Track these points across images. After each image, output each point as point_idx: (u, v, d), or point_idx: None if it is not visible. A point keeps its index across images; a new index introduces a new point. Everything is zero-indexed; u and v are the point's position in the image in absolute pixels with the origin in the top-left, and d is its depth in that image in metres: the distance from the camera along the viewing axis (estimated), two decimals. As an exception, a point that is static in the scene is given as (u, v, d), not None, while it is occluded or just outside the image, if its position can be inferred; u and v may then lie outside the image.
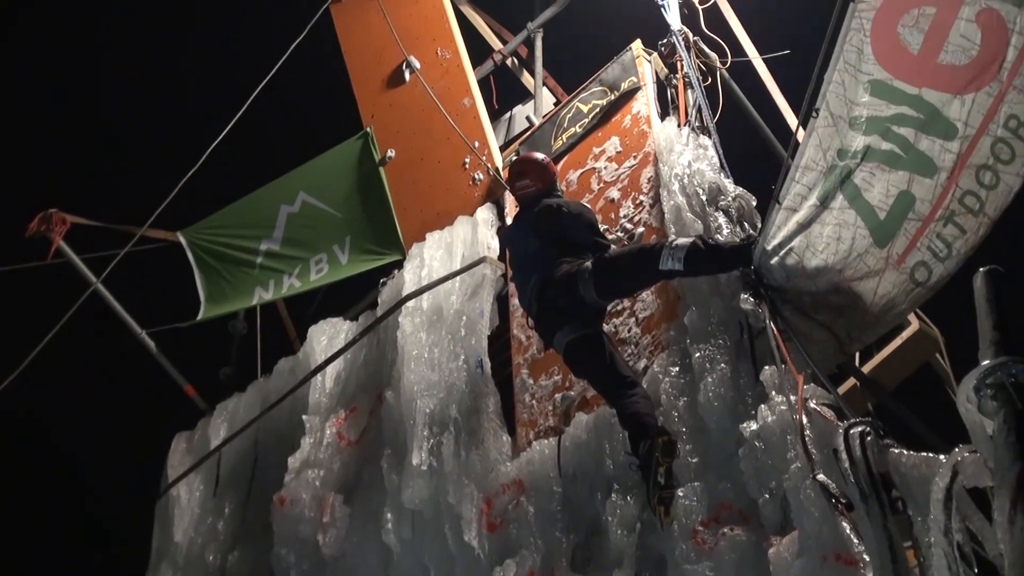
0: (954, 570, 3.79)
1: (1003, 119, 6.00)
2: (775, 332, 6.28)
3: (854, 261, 6.44)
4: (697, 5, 9.27)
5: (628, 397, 6.82)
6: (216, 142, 10.20)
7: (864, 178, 6.35)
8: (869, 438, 4.93)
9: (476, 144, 9.66)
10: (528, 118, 10.46)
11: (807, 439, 5.60)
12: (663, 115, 8.56)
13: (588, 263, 7.12)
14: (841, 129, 6.34)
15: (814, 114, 6.35)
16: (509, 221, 8.58)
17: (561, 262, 7.19)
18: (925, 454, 4.56)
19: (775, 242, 6.57)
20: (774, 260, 6.57)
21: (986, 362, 3.31)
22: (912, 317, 8.74)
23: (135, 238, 10.45)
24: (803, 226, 6.51)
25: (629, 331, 7.56)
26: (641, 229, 7.90)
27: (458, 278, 8.62)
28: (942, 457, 4.14)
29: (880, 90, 6.24)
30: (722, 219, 7.24)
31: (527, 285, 7.32)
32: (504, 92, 11.31)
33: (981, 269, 3.51)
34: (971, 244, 6.17)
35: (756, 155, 9.61)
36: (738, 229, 7.20)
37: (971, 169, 6.10)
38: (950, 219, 6.17)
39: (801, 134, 6.62)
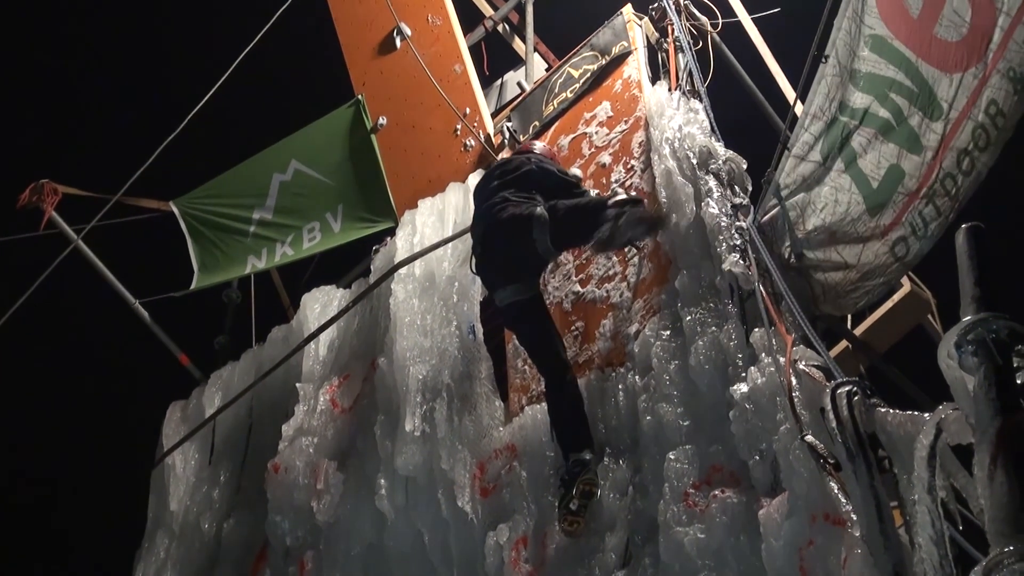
0: (938, 527, 3.80)
1: (984, 104, 6.01)
2: (763, 294, 6.30)
3: (847, 226, 6.48)
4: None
5: (567, 386, 7.04)
6: (199, 107, 10.23)
7: (860, 143, 6.37)
8: (856, 398, 4.93)
9: (467, 111, 9.66)
10: (519, 84, 10.47)
11: (796, 400, 5.63)
12: (654, 79, 8.56)
13: (540, 208, 7.05)
14: (844, 80, 6.35)
15: (823, 59, 6.34)
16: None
17: (506, 202, 7.18)
18: (910, 412, 4.56)
19: (786, 191, 6.61)
20: (787, 203, 6.62)
21: (967, 318, 3.31)
22: (904, 279, 8.76)
23: (114, 199, 10.42)
24: (807, 183, 6.55)
25: (621, 296, 7.56)
26: (632, 194, 7.88)
27: (450, 244, 8.61)
28: (926, 415, 4.15)
29: (880, 47, 6.24)
30: (712, 182, 7.22)
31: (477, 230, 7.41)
32: (495, 58, 11.31)
33: (963, 226, 3.51)
34: (943, 227, 6.21)
35: (747, 119, 9.59)
36: (728, 192, 7.19)
37: (953, 152, 6.13)
38: (931, 199, 6.22)
39: (796, 106, 6.63)
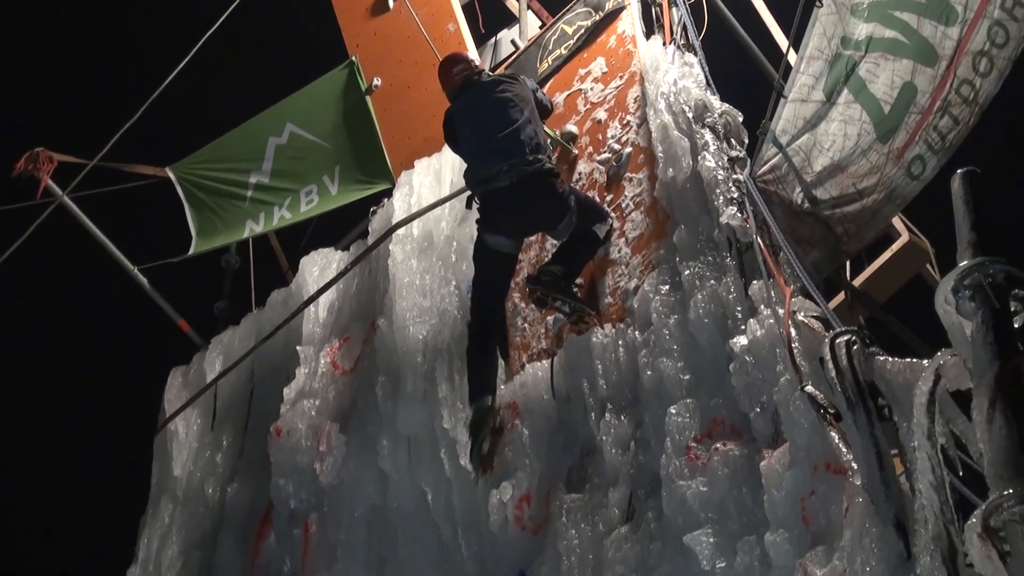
0: (938, 473, 3.81)
1: None
2: (762, 246, 6.29)
3: (858, 158, 6.46)
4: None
5: (495, 337, 7.59)
6: (183, 63, 10.25)
7: (869, 69, 6.33)
8: (855, 347, 4.93)
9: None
10: (513, 42, 10.40)
11: (795, 351, 5.62)
12: (648, 34, 8.49)
13: (573, 203, 7.47)
14: (844, 16, 6.33)
15: (818, 4, 6.31)
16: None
17: (552, 170, 7.53)
18: (909, 360, 4.56)
19: (785, 138, 6.58)
20: (789, 149, 6.59)
21: (963, 263, 3.31)
22: (902, 229, 8.74)
23: (95, 160, 10.38)
24: (810, 124, 6.51)
25: (619, 252, 7.55)
26: (629, 149, 7.88)
27: (448, 204, 8.60)
28: (925, 362, 4.15)
29: None
30: (708, 136, 7.19)
31: (496, 159, 7.52)
32: (489, 17, 11.24)
33: (958, 171, 3.50)
34: (962, 135, 6.15)
35: (742, 71, 9.55)
36: (725, 145, 7.15)
37: (969, 56, 6.06)
38: (946, 110, 6.15)
39: (789, 54, 6.58)
